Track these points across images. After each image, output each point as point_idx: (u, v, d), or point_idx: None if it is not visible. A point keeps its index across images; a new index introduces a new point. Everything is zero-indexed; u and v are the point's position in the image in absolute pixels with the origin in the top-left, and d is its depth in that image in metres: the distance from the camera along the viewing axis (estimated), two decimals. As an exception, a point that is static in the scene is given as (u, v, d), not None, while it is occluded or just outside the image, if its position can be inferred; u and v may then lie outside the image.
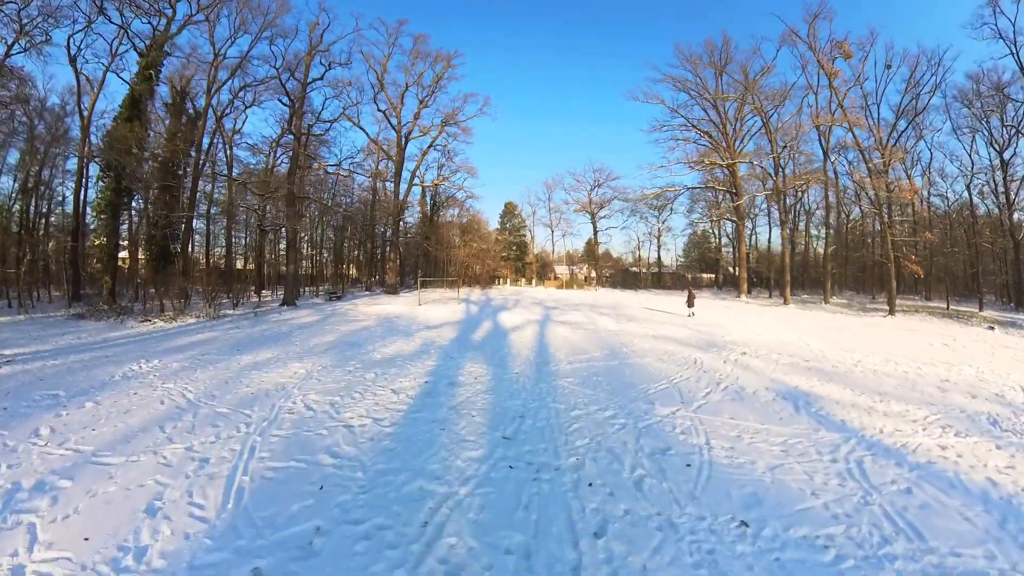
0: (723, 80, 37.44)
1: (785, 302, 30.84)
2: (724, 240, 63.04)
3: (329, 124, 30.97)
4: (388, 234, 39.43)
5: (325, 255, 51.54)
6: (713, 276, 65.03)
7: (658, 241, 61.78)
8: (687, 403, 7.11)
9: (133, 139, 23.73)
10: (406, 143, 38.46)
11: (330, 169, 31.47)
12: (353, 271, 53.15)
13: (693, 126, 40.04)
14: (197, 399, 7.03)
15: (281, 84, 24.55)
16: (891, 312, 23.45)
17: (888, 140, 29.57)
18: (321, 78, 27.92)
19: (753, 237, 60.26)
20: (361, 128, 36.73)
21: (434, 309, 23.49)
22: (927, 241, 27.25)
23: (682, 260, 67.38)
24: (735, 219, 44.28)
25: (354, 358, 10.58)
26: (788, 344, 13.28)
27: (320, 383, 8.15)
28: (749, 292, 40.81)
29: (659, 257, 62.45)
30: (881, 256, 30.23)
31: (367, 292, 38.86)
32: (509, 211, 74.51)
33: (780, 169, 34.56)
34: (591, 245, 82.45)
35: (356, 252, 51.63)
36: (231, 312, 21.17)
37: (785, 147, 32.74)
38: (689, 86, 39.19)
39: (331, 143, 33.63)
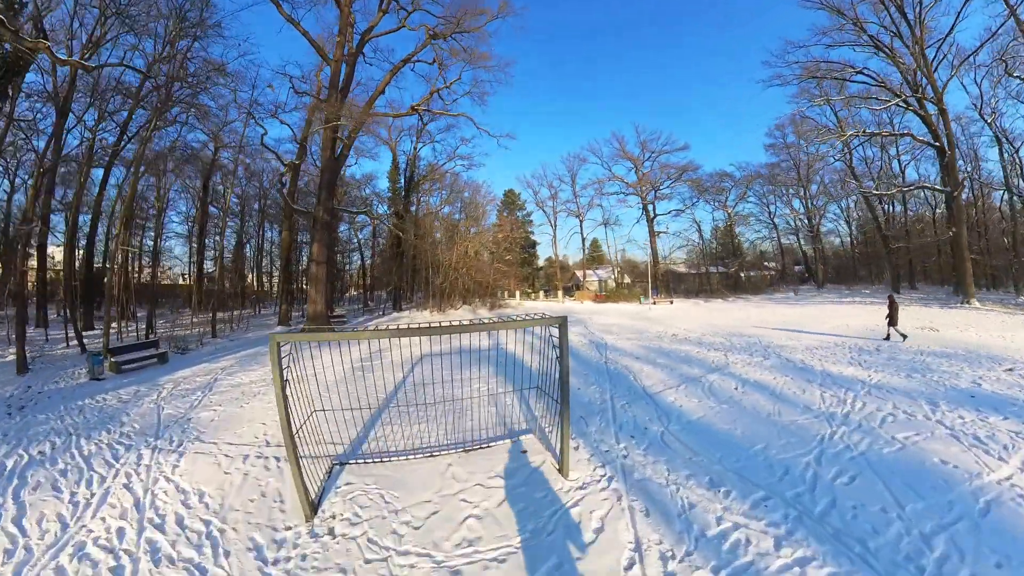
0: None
1: None
2: (782, 224, 45.45)
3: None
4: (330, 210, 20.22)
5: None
6: (771, 274, 47.17)
7: (730, 230, 43.77)
8: None
9: None
10: (362, 42, 19.83)
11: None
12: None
13: (877, 43, 22.80)
14: None
15: None
16: None
17: None
18: None
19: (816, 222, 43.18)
20: None
21: None
22: None
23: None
24: (931, 187, 26.92)
25: None
26: None
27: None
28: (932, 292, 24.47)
29: (738, 252, 43.83)
30: None
31: (284, 328, 20.20)
32: (510, 201, 56.41)
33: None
34: (597, 246, 64.15)
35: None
36: None
37: None
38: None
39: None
